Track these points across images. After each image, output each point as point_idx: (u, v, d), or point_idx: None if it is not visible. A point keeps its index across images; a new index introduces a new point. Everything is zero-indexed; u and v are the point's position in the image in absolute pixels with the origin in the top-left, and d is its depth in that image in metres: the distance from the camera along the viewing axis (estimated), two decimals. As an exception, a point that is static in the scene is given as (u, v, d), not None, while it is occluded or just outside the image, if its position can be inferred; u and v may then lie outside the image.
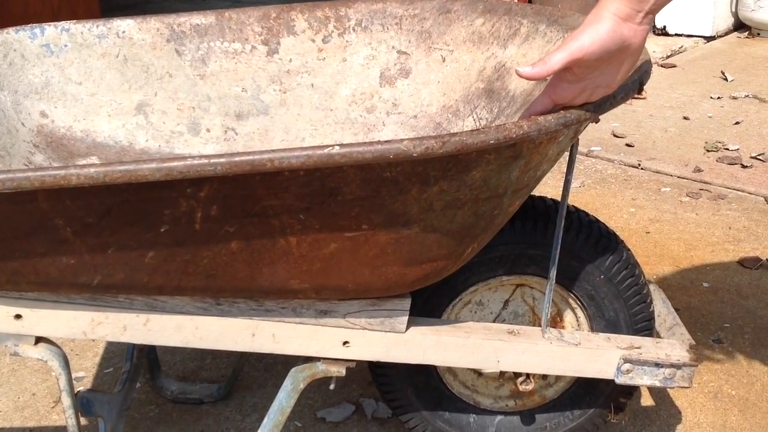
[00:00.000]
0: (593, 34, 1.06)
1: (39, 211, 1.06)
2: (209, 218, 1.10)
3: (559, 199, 1.40)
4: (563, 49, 1.07)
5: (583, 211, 1.50)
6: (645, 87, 1.19)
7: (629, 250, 1.49)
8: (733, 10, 5.47)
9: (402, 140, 1.03)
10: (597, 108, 1.15)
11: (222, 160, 1.01)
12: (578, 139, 1.31)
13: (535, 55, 1.53)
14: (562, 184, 1.34)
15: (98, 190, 1.04)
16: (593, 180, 3.09)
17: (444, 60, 1.69)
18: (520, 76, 1.09)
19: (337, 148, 1.02)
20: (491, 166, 1.12)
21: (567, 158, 1.33)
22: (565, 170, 1.35)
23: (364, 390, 1.89)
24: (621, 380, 1.44)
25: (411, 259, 1.22)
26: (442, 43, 1.68)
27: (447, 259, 1.25)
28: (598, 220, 1.50)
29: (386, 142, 1.03)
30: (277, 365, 1.97)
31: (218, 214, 1.10)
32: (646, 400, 1.86)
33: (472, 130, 1.05)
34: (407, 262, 1.22)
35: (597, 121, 1.19)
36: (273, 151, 1.02)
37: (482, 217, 1.21)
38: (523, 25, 1.57)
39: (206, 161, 1.01)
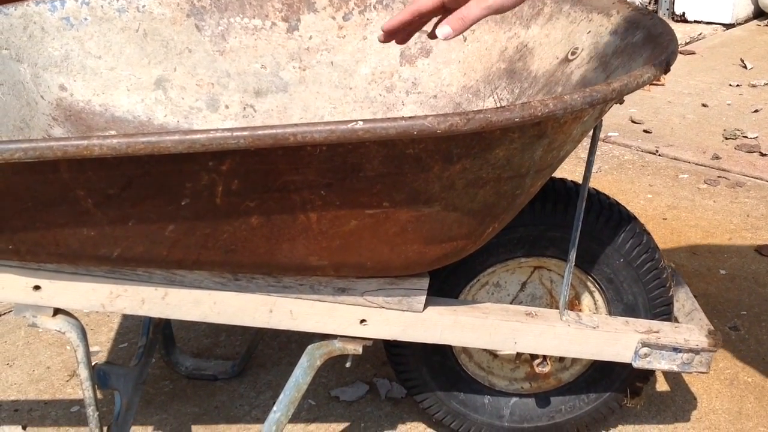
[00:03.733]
0: None
1: (60, 181, 1.06)
2: (230, 192, 1.10)
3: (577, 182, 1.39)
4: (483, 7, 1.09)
5: (604, 194, 1.49)
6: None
7: (649, 234, 1.48)
8: (754, -3, 5.42)
9: (426, 116, 1.02)
10: (622, 90, 1.14)
11: (245, 133, 1.00)
12: (602, 120, 1.29)
13: (558, 35, 1.51)
14: (581, 167, 1.32)
15: (120, 162, 1.04)
16: (610, 166, 3.06)
17: (465, 39, 1.67)
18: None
19: (361, 123, 1.01)
20: (515, 144, 1.11)
21: (586, 141, 1.32)
22: (582, 155, 1.34)
23: (378, 370, 1.89)
24: (638, 364, 1.43)
25: (431, 238, 1.21)
26: (464, 22, 1.66)
27: (467, 238, 1.24)
28: (618, 203, 1.48)
29: (410, 118, 1.02)
30: (292, 344, 1.97)
31: (239, 189, 1.10)
32: (662, 386, 1.85)
33: (497, 108, 1.04)
34: (427, 241, 1.21)
35: (622, 101, 1.18)
36: (296, 125, 1.01)
37: (504, 196, 1.20)
38: (546, 5, 1.55)
39: (229, 134, 1.00)
